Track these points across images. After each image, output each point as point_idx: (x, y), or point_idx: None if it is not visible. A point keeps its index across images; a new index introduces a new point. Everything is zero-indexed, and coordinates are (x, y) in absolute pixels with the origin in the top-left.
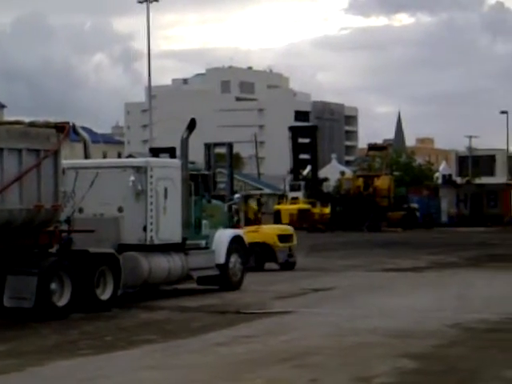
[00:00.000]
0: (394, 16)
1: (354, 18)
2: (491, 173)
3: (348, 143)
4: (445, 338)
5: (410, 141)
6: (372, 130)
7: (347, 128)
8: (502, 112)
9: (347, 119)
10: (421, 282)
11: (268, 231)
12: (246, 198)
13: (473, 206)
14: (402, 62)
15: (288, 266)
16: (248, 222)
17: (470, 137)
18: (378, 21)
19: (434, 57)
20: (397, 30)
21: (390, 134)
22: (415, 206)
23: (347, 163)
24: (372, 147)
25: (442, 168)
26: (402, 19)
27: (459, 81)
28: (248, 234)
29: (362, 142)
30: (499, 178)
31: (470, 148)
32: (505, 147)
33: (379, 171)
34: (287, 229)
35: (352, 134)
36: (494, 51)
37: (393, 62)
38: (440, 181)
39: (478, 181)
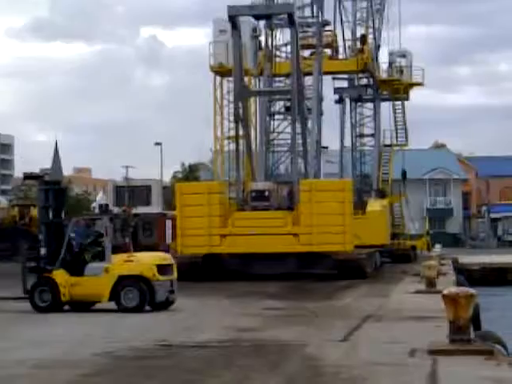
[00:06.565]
0: (50, 44)
1: (10, 44)
2: (147, 203)
3: (4, 172)
4: (93, 366)
5: (67, 170)
6: (29, 158)
7: (3, 156)
8: (157, 144)
9: (3, 147)
10: (90, 312)
11: (146, 260)
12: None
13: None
14: (60, 91)
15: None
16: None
17: (127, 167)
18: (35, 48)
19: (91, 87)
20: (54, 59)
21: (48, 163)
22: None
23: (3, 192)
24: (28, 176)
25: (100, 198)
26: (59, 47)
27: (116, 111)
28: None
29: (19, 171)
30: (155, 207)
31: (126, 178)
32: (159, 177)
33: (36, 200)
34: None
35: (8, 163)
36: (149, 83)
37: (50, 90)
38: (97, 210)
39: (134, 211)
